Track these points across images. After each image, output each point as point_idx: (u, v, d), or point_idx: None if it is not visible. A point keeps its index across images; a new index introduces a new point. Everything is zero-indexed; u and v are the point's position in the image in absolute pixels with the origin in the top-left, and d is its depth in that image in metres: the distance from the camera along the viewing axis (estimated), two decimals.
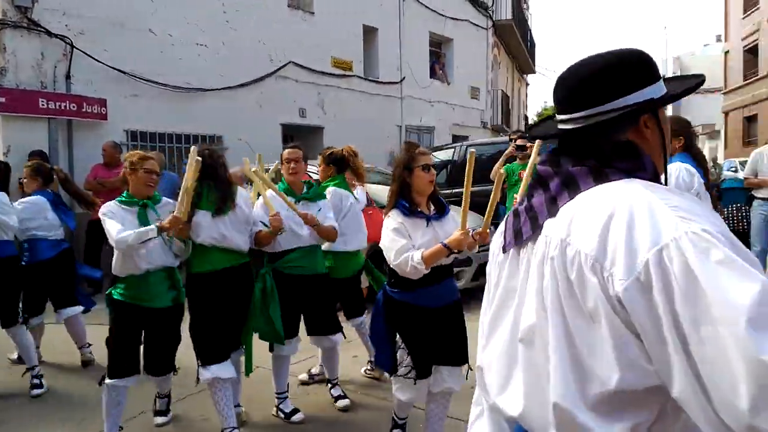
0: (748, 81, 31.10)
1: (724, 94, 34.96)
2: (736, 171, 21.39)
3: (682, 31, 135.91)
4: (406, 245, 2.90)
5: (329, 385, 4.18)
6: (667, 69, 42.68)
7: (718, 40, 38.83)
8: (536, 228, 1.12)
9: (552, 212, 1.10)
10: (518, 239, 1.17)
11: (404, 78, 15.28)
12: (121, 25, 9.47)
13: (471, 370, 3.37)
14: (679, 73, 42.23)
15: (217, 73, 10.76)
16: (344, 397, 4.09)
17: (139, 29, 9.69)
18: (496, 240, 1.28)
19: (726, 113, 34.23)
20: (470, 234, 2.94)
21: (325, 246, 4.16)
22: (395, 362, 3.06)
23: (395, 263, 2.90)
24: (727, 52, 34.76)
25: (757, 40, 29.99)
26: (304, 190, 4.00)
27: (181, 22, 10.25)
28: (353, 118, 13.32)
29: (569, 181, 1.10)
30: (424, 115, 16.15)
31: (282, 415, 3.86)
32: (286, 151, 3.99)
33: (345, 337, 4.14)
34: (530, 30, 27.68)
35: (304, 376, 4.55)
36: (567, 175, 1.11)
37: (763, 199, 6.51)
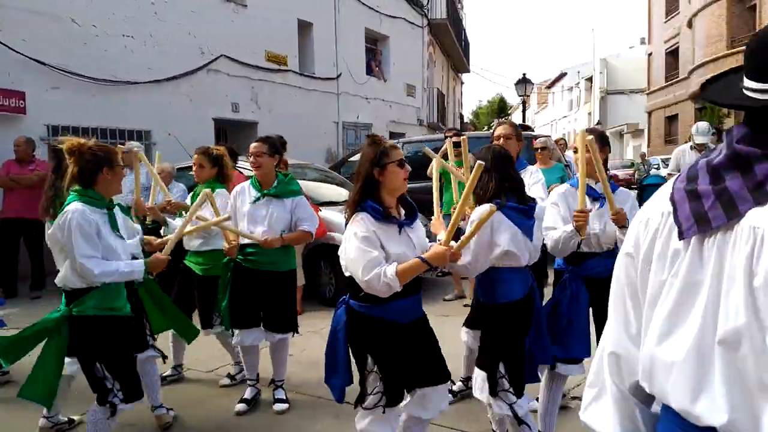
0: (669, 82, 32.73)
1: (648, 94, 36.66)
2: (658, 168, 22.54)
3: (609, 33, 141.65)
4: (377, 258, 2.45)
5: (272, 386, 4.05)
6: (594, 70, 44.32)
7: (642, 42, 40.67)
8: (734, 216, 1.00)
9: (759, 200, 0.98)
10: (703, 226, 1.03)
11: (341, 74, 15.20)
12: (41, 14, 8.94)
13: (453, 383, 3.22)
14: (605, 74, 43.96)
15: (144, 66, 10.33)
16: (284, 401, 3.95)
17: (60, 19, 9.17)
18: (649, 218, 1.17)
19: (649, 113, 35.93)
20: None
21: (196, 244, 4.10)
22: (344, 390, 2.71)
23: (365, 279, 2.44)
24: (650, 55, 36.49)
25: (677, 43, 31.61)
26: (275, 184, 3.87)
27: (106, 12, 9.78)
28: (289, 113, 13.12)
29: None
30: (360, 111, 16.12)
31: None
32: (251, 145, 3.89)
33: (293, 336, 4.04)
34: (464, 29, 28.13)
35: (225, 381, 4.40)
36: None
37: None
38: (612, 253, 3.05)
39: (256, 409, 3.97)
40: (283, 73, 13.48)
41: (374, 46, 17.60)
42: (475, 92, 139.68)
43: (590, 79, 46.15)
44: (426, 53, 19.72)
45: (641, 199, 9.16)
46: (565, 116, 54.66)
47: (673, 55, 32.56)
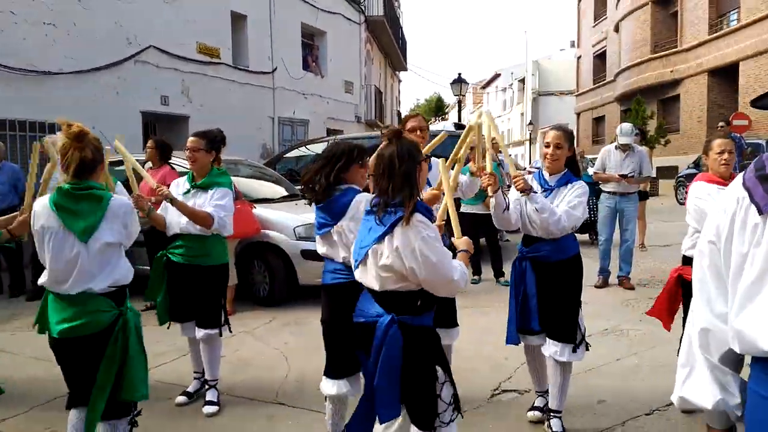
0: (597, 84, 34.03)
1: (576, 96, 38.00)
2: (586, 167, 23.43)
3: (541, 35, 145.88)
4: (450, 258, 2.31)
5: (206, 386, 3.90)
6: (527, 71, 45.54)
7: (572, 45, 42.10)
8: None
9: None
10: None
11: (276, 68, 14.95)
12: None
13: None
14: (537, 76, 45.26)
15: (67, 56, 9.81)
16: (215, 403, 3.79)
17: None
18: (726, 206, 1.38)
19: (578, 114, 37.25)
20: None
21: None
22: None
23: (456, 279, 2.24)
24: (579, 58, 37.83)
25: (605, 47, 32.90)
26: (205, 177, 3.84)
27: None
28: (222, 107, 12.79)
29: None
30: (297, 107, 15.91)
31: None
32: (188, 139, 3.83)
33: (221, 335, 3.90)
34: (402, 28, 28.27)
35: (181, 399, 3.94)
36: None
37: (609, 192, 7.08)
38: (557, 242, 3.20)
39: (189, 411, 3.82)
40: (216, 65, 13.12)
41: (311, 41, 17.41)
42: (412, 90, 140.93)
43: (523, 81, 47.39)
44: (363, 50, 19.69)
45: None
46: (499, 116, 55.94)
47: (600, 58, 33.86)
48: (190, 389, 3.95)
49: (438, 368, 2.33)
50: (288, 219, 6.33)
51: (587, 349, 3.30)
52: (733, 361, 1.40)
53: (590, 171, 7.91)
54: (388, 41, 23.38)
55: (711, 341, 1.41)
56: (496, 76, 55.15)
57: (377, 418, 2.31)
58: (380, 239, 2.25)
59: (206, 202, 3.72)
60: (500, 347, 3.91)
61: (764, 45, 18.45)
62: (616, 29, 29.38)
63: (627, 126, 7.13)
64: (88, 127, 2.67)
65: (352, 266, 2.45)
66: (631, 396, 3.71)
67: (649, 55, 25.55)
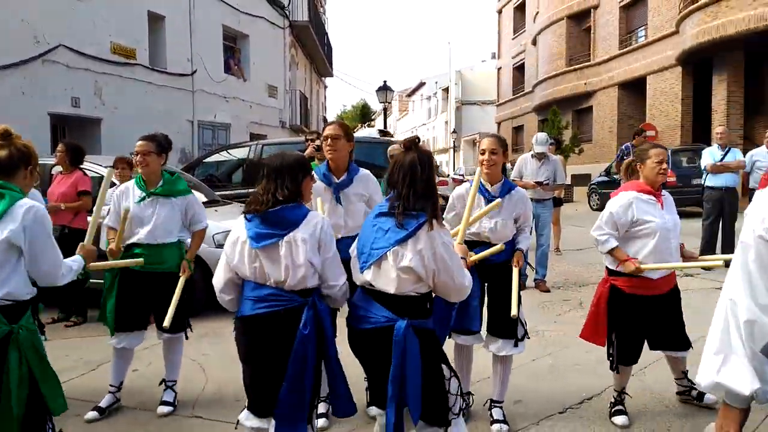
0: (516, 95, 35.26)
1: (497, 106, 39.23)
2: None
3: (464, 46, 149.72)
4: None
5: (164, 386, 3.89)
6: (450, 81, 46.52)
7: (493, 57, 43.39)
8: None
9: None
10: None
11: (196, 71, 14.53)
12: None
13: None
14: (460, 85, 46.36)
15: None
16: (171, 404, 3.79)
17: None
18: None
19: (498, 123, 38.45)
20: None
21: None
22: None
23: (466, 283, 2.44)
24: (499, 69, 39.08)
25: (523, 59, 34.15)
26: (160, 183, 3.78)
27: None
28: (137, 110, 12.28)
29: None
30: (218, 111, 15.53)
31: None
32: (137, 143, 3.77)
33: (187, 338, 3.98)
34: (327, 34, 28.23)
35: (92, 415, 3.72)
36: None
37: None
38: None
39: (101, 427, 3.60)
40: (132, 66, 12.60)
41: (233, 44, 17.06)
42: (339, 96, 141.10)
43: (447, 90, 48.38)
44: (288, 55, 19.50)
45: None
46: (424, 124, 56.86)
47: (519, 70, 35.12)
48: (103, 404, 3.76)
49: (443, 366, 2.46)
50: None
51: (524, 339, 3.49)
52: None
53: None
54: (314, 46, 23.28)
55: (756, 332, 1.49)
56: (421, 84, 56.05)
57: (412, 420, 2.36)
58: (403, 241, 2.34)
59: (176, 213, 3.78)
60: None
61: (668, 61, 19.69)
62: (534, 42, 30.58)
63: (542, 136, 7.45)
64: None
65: (358, 269, 2.47)
66: (545, 395, 3.81)
67: (565, 68, 26.74)
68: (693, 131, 19.39)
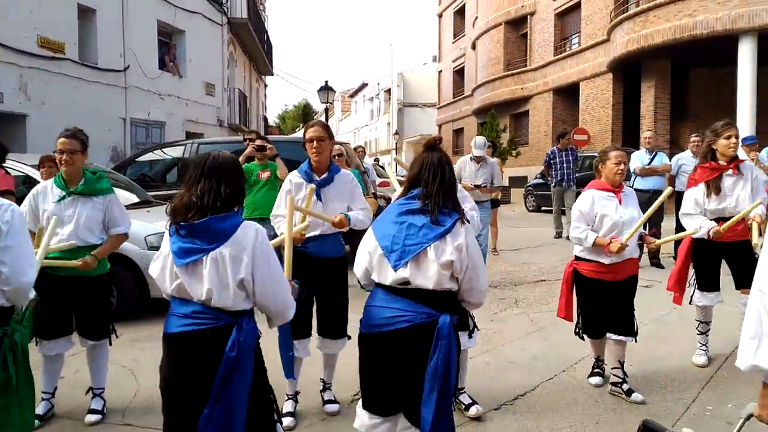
0: (456, 98, 35.82)
1: (438, 108, 39.75)
2: None
3: (405, 48, 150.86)
4: None
5: (91, 394, 3.78)
6: (392, 82, 46.81)
7: (434, 60, 43.92)
8: None
9: None
10: None
11: (129, 66, 14.02)
12: None
13: None
14: (402, 87, 46.72)
15: None
16: (99, 412, 3.68)
17: None
18: None
19: (439, 125, 38.97)
20: None
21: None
22: None
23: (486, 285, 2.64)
24: (440, 72, 39.61)
25: (463, 63, 34.73)
26: (81, 182, 3.63)
27: None
28: (66, 106, 11.72)
29: None
30: (152, 108, 15.03)
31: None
32: (59, 140, 3.59)
33: (111, 344, 3.86)
34: (267, 32, 27.85)
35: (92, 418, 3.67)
36: None
37: None
38: None
39: None
40: (59, 61, 12.03)
41: (169, 40, 16.57)
42: (281, 95, 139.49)
43: (389, 91, 48.63)
44: (226, 52, 19.10)
45: None
46: (367, 125, 56.96)
47: (459, 73, 35.70)
48: (39, 411, 3.57)
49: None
50: (138, 227, 5.90)
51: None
52: None
53: None
54: (253, 44, 22.91)
55: None
56: (364, 85, 56.15)
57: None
58: (442, 236, 2.37)
59: (97, 212, 3.65)
60: None
61: (600, 68, 20.47)
62: (474, 47, 31.15)
63: (480, 139, 7.60)
64: None
65: (386, 267, 2.39)
66: (481, 392, 3.86)
67: (502, 73, 27.37)
68: (623, 135, 20.22)
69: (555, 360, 4.48)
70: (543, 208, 15.87)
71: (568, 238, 10.09)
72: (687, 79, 18.84)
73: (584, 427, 3.43)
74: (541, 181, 16.51)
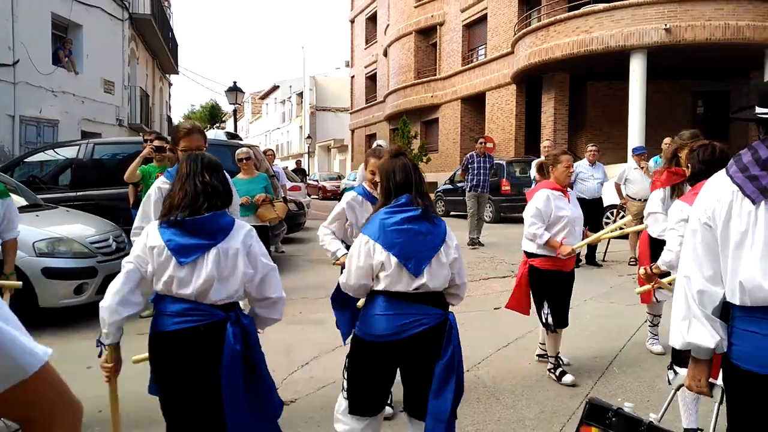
0: (369, 104, 36.07)
1: (351, 113, 39.87)
2: (354, 180, 24.66)
3: (318, 52, 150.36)
4: None
5: None
6: (305, 86, 46.48)
7: (347, 65, 44.04)
8: None
9: None
10: (766, 194, 1.75)
11: (18, 61, 13.02)
12: None
13: None
14: (315, 91, 46.51)
15: None
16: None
17: None
18: (719, 197, 1.84)
19: (352, 130, 39.09)
20: None
21: None
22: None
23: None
24: (353, 77, 39.75)
25: (375, 69, 35.04)
26: None
27: None
28: None
29: None
30: (45, 105, 14.04)
31: None
32: None
33: None
34: (172, 29, 26.82)
35: None
36: None
37: None
38: None
39: None
40: None
41: (64, 35, 15.56)
42: (188, 95, 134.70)
43: (301, 95, 48.26)
44: (127, 48, 18.19)
45: None
46: (278, 128, 56.17)
47: (372, 79, 36.00)
48: None
49: None
50: (27, 233, 5.48)
51: None
52: (718, 312, 1.89)
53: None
54: (157, 42, 21.96)
55: (705, 299, 1.88)
56: (275, 87, 55.35)
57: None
58: (446, 239, 2.56)
59: None
60: None
61: (505, 79, 21.29)
62: (385, 54, 31.52)
63: (382, 142, 7.74)
64: None
65: (410, 273, 2.45)
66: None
67: (413, 81, 27.87)
68: (526, 144, 21.14)
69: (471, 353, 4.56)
70: (452, 213, 16.26)
71: (482, 243, 10.39)
72: (584, 92, 19.97)
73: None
74: (450, 186, 16.90)
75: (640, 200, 8.37)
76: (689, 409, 3.16)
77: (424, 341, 2.44)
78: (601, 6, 16.54)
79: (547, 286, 4.18)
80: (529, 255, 4.22)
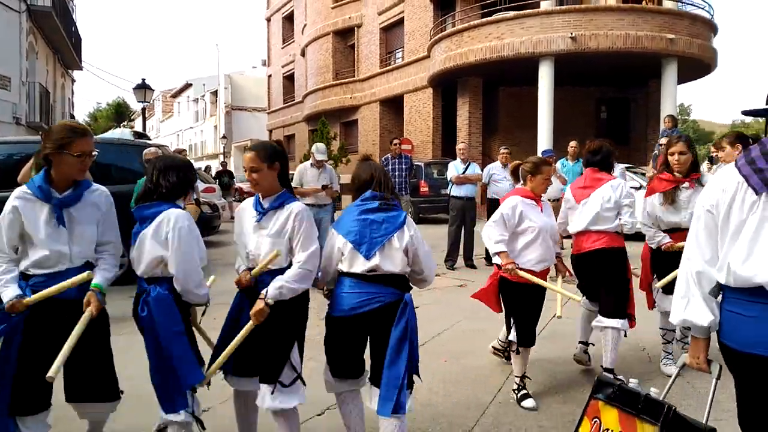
0: (287, 104, 35.61)
1: (268, 113, 39.22)
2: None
3: (234, 50, 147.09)
4: None
5: None
6: (219, 84, 45.31)
7: (264, 64, 43.31)
8: None
9: None
10: None
11: None
12: None
13: None
14: (230, 90, 45.43)
15: None
16: None
17: None
18: (724, 187, 2.00)
19: (270, 131, 38.45)
20: None
21: None
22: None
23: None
24: (270, 77, 39.11)
25: (293, 69, 34.64)
26: None
27: None
28: None
29: None
30: None
31: None
32: None
33: None
34: (75, 23, 25.38)
35: None
36: None
37: (308, 205, 7.46)
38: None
39: None
40: None
41: None
42: (93, 93, 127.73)
43: (216, 93, 46.99)
44: (25, 42, 17.04)
45: None
46: (191, 127, 54.40)
47: (289, 79, 35.56)
48: None
49: None
50: None
51: None
52: (715, 293, 2.06)
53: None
54: (58, 35, 20.70)
55: (703, 279, 2.05)
56: (188, 85, 53.54)
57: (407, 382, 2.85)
58: (401, 227, 2.91)
59: None
60: None
61: (422, 82, 21.64)
62: (303, 54, 31.23)
63: (322, 145, 7.91)
64: None
65: (359, 258, 2.86)
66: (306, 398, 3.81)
67: (332, 82, 27.78)
68: (442, 146, 21.58)
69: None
70: None
71: None
72: (497, 96, 20.64)
73: None
74: None
75: (550, 200, 8.74)
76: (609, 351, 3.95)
77: (381, 316, 2.84)
78: (511, 14, 17.18)
79: (518, 298, 3.90)
80: (499, 266, 3.90)
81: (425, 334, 5.29)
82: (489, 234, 3.90)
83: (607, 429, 2.34)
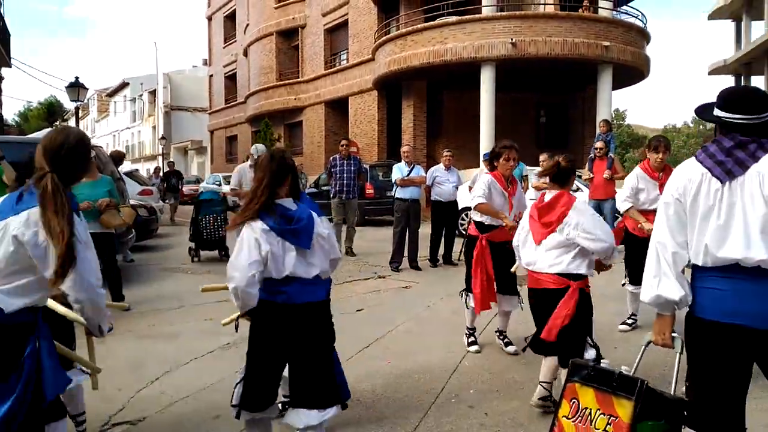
0: (229, 104, 34.96)
1: (210, 114, 38.39)
2: (220, 184, 23.75)
3: (173, 48, 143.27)
4: None
5: None
6: (158, 84, 44.04)
7: (205, 63, 42.37)
8: (744, 170, 2.15)
9: (755, 161, 2.15)
10: (730, 176, 2.17)
11: None
12: None
13: None
14: (170, 89, 44.24)
15: None
16: None
17: None
18: (690, 177, 2.26)
19: (212, 132, 37.65)
20: None
21: None
22: None
23: None
24: (211, 76, 38.29)
25: (235, 69, 34.03)
26: None
27: None
28: None
29: (763, 144, 2.18)
30: None
31: None
32: None
33: None
34: (3, 17, 24.13)
35: None
36: (760, 142, 2.18)
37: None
38: None
39: None
40: None
41: None
42: (23, 91, 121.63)
43: (154, 93, 45.66)
44: None
45: (198, 211, 9.38)
46: (128, 127, 52.67)
47: (231, 79, 34.94)
48: None
49: None
50: None
51: None
52: (683, 272, 2.28)
53: (226, 188, 8.04)
54: None
55: (678, 259, 2.27)
56: (124, 84, 51.77)
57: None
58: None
59: None
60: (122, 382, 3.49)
61: (367, 84, 21.65)
62: (246, 54, 30.74)
63: (261, 146, 7.84)
64: None
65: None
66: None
67: (275, 82, 27.45)
68: (388, 148, 21.66)
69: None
70: None
71: (354, 253, 10.14)
72: (441, 100, 20.88)
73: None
74: (314, 190, 16.82)
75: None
76: None
77: (314, 312, 2.88)
78: (454, 19, 17.42)
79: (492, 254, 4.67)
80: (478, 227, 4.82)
81: (370, 336, 5.28)
82: (477, 201, 4.68)
83: (586, 407, 2.45)
